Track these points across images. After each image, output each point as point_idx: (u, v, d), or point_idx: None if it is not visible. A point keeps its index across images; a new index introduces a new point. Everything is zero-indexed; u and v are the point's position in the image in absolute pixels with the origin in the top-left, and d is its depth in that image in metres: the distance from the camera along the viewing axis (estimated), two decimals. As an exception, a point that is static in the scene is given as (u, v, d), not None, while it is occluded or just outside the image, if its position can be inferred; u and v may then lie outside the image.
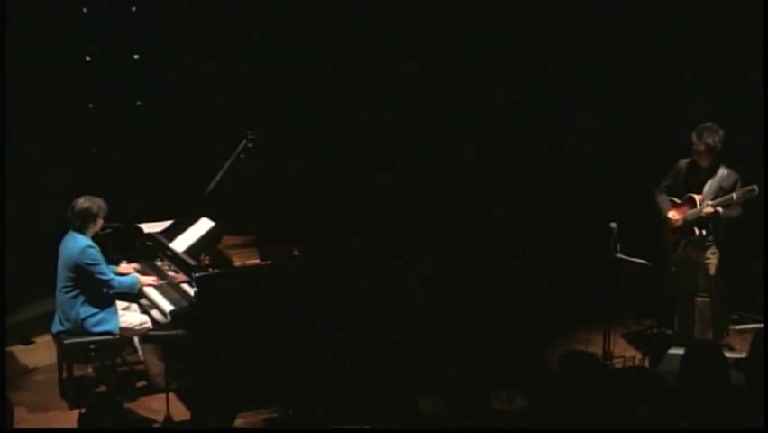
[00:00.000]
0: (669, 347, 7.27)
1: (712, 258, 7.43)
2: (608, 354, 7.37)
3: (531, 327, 8.15)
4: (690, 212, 7.40)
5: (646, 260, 7.19)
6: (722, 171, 7.35)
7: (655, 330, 7.79)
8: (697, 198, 7.37)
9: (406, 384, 7.12)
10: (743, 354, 7.26)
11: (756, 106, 8.23)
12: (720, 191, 7.31)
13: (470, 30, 9.34)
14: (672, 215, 7.48)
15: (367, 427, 6.36)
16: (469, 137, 9.37)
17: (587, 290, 8.19)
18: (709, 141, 7.24)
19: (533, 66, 9.21)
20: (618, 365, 7.42)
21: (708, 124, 7.30)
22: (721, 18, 8.61)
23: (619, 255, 7.21)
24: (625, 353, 7.65)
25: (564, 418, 6.37)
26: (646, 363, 7.48)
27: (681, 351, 6.81)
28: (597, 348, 7.51)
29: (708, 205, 7.28)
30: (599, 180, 9.23)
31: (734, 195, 7.19)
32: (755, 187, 7.10)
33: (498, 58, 9.15)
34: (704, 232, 7.38)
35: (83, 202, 6.81)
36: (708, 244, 7.42)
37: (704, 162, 7.36)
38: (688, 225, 7.41)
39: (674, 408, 6.07)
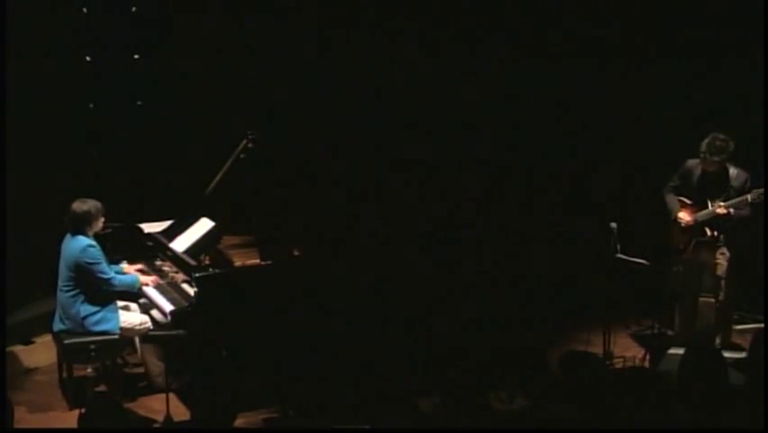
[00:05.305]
0: (669, 347, 7.28)
1: (721, 258, 7.42)
2: (608, 354, 7.36)
3: (531, 327, 8.15)
4: (702, 213, 7.38)
5: (646, 260, 7.19)
6: (732, 171, 7.31)
7: (655, 330, 7.78)
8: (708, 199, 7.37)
9: (406, 384, 7.11)
10: (743, 354, 7.27)
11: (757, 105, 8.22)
12: (731, 191, 7.30)
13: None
14: (683, 215, 7.46)
15: (367, 427, 6.36)
16: (470, 135, 9.35)
17: (587, 290, 8.19)
18: (716, 158, 7.17)
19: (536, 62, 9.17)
20: (618, 365, 7.41)
21: (721, 137, 7.19)
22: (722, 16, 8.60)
23: (619, 255, 7.20)
24: (625, 353, 7.63)
25: (564, 418, 6.39)
26: (646, 363, 7.47)
27: (681, 351, 6.85)
28: (597, 348, 7.50)
29: (720, 205, 7.27)
30: (600, 180, 9.22)
31: (748, 196, 7.17)
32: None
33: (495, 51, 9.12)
34: (715, 233, 7.37)
35: (75, 207, 6.79)
36: (718, 244, 7.42)
37: (713, 168, 7.33)
38: (699, 225, 7.40)
39: (674, 408, 6.09)
